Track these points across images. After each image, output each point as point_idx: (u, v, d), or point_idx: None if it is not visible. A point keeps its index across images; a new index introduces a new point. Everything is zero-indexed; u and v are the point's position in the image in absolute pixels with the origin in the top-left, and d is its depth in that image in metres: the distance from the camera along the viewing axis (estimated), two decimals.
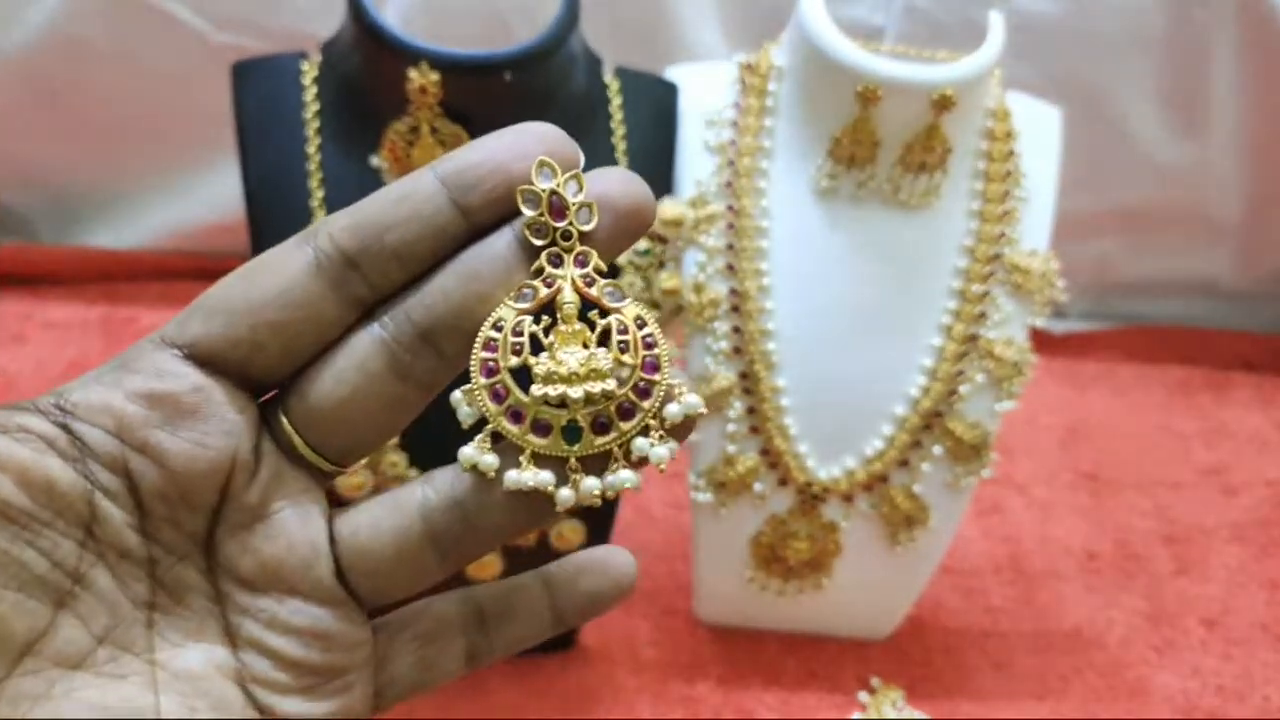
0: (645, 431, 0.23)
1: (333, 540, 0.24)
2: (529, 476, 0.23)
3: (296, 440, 0.24)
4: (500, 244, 0.23)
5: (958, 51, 0.48)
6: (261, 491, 0.24)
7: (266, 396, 0.24)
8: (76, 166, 0.81)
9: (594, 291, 0.23)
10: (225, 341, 0.23)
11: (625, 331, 0.23)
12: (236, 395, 0.23)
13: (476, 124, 0.45)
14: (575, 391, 0.22)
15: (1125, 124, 0.80)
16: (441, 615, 0.26)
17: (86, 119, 0.79)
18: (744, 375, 0.50)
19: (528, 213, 0.23)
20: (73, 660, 0.22)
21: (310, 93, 0.48)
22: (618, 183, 0.23)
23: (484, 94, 0.45)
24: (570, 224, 0.23)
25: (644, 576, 0.64)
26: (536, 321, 0.23)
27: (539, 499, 0.23)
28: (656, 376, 0.23)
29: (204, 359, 0.23)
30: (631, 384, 0.23)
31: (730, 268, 0.49)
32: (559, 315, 0.23)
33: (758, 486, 0.51)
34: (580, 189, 0.23)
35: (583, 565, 0.26)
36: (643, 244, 0.48)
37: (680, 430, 0.23)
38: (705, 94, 0.51)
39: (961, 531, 0.64)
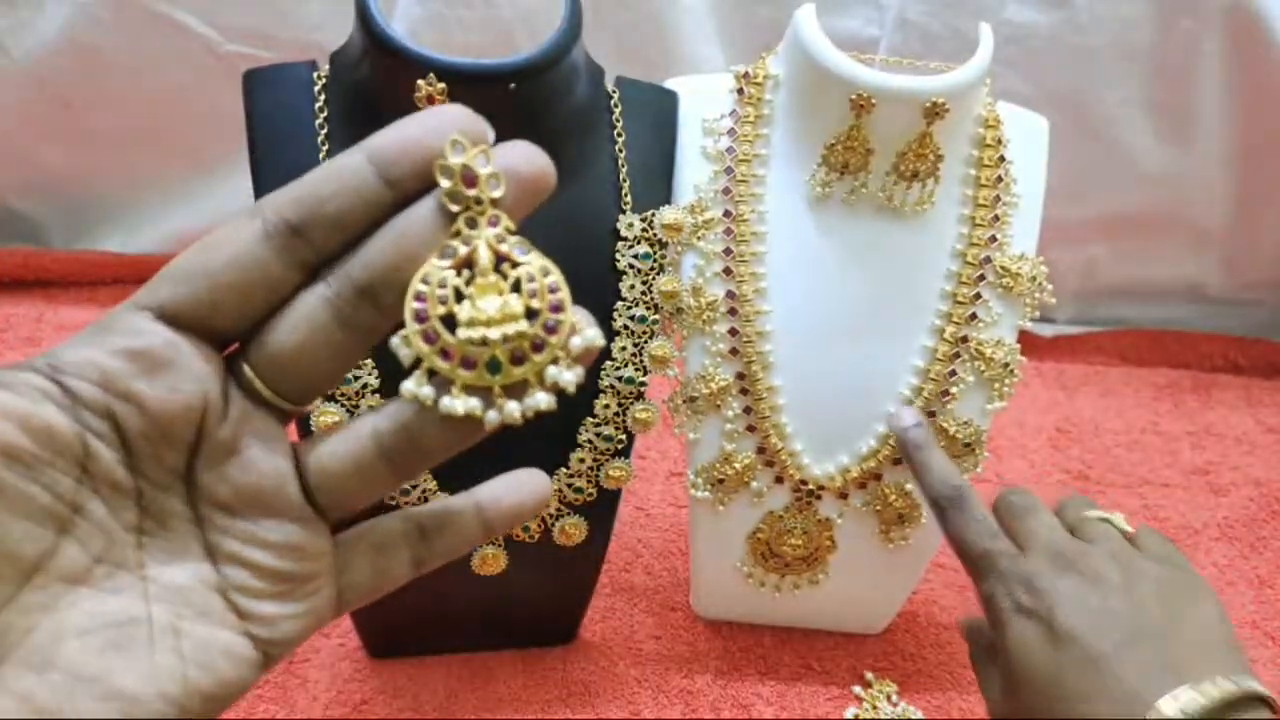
0: (555, 361, 0.27)
1: (300, 466, 0.28)
2: (460, 404, 0.27)
3: (258, 384, 0.27)
4: (423, 210, 0.26)
5: (949, 62, 0.50)
6: (232, 429, 0.27)
7: (230, 349, 0.28)
8: (88, 173, 0.82)
9: (505, 248, 0.27)
10: (190, 302, 0.26)
11: (533, 280, 0.27)
12: (203, 348, 0.27)
13: None
14: (494, 333, 0.26)
15: (1113, 132, 0.81)
16: (389, 530, 0.30)
17: (98, 127, 0.79)
18: (741, 375, 0.51)
19: (444, 184, 0.26)
20: (75, 577, 0.25)
21: (320, 101, 0.48)
22: (522, 155, 0.26)
23: (489, 103, 0.45)
24: (481, 191, 0.26)
25: (644, 573, 0.65)
26: (458, 275, 0.27)
27: (469, 421, 0.27)
28: (561, 316, 0.27)
29: (172, 319, 0.26)
30: (541, 323, 0.27)
31: (728, 271, 0.50)
32: (476, 269, 0.27)
33: (754, 484, 0.52)
34: (489, 162, 0.26)
35: (504, 486, 0.31)
36: (643, 248, 0.49)
37: (583, 359, 0.27)
38: (704, 103, 0.52)
39: None
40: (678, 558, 0.66)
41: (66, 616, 0.25)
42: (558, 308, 0.27)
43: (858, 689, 0.58)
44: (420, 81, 0.45)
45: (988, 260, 0.50)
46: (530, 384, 0.27)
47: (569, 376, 0.27)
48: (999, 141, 0.51)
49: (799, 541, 0.54)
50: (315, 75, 0.49)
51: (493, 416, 0.27)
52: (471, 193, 0.26)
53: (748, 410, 0.51)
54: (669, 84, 0.53)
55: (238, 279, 0.26)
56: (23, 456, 0.24)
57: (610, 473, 0.50)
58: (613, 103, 0.50)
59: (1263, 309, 0.90)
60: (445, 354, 0.27)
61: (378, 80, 0.47)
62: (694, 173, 0.51)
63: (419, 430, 0.28)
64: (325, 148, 0.48)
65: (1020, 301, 0.51)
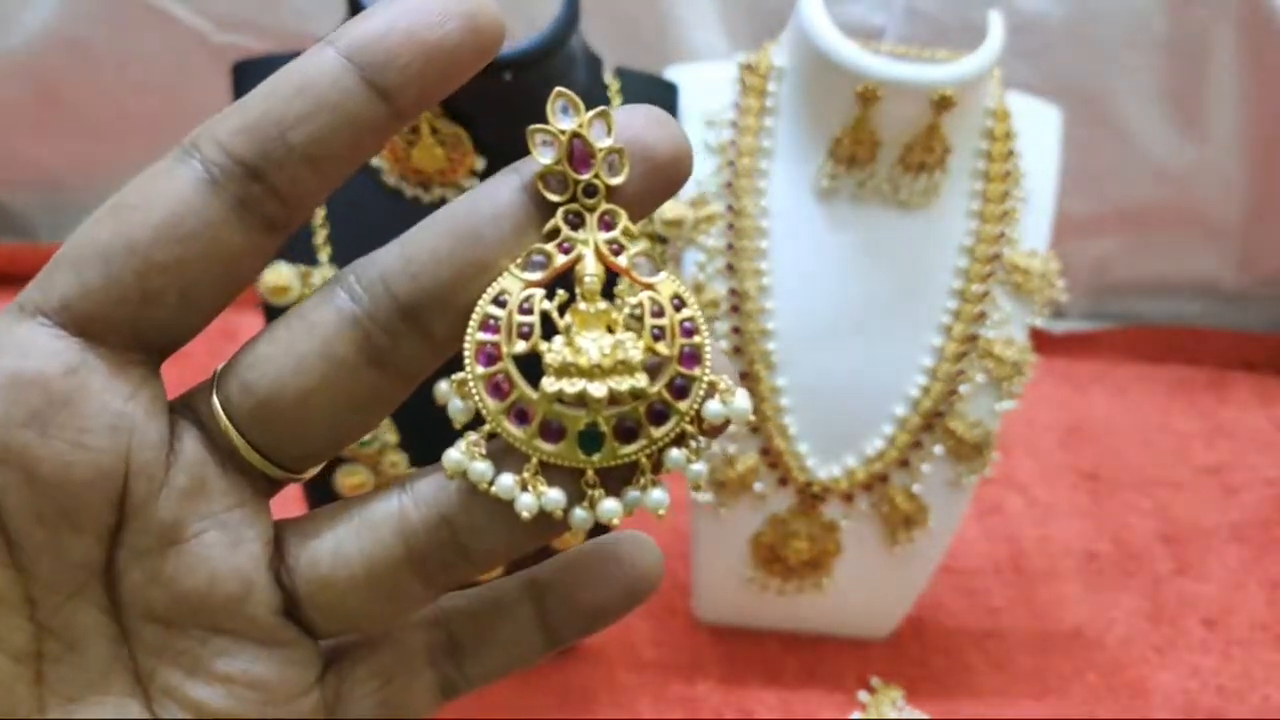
0: (680, 440, 0.19)
1: (285, 565, 0.19)
2: (529, 501, 0.18)
3: (238, 442, 0.19)
4: (506, 197, 0.18)
5: (958, 51, 0.48)
6: (176, 506, 0.18)
7: (195, 389, 0.20)
8: (76, 166, 0.81)
9: (622, 261, 0.19)
10: (106, 296, 0.17)
11: (660, 313, 0.18)
12: (128, 373, 0.18)
13: (477, 123, 0.45)
14: (597, 388, 0.18)
15: (1125, 124, 0.80)
16: (405, 645, 0.21)
17: (86, 118, 0.78)
18: (744, 375, 0.50)
19: (543, 160, 0.18)
20: None
21: None
22: (652, 125, 0.18)
23: (484, 94, 0.44)
24: (596, 176, 0.18)
25: None
26: (550, 297, 0.18)
27: (545, 519, 0.19)
28: (696, 371, 0.19)
29: (80, 325, 0.17)
30: (667, 379, 0.18)
31: (730, 268, 0.49)
32: (579, 290, 0.18)
33: (758, 486, 0.51)
34: (609, 131, 0.18)
35: (584, 565, 0.21)
36: (643, 244, 0.48)
37: (717, 433, 0.19)
38: (705, 94, 0.51)
39: (962, 532, 0.64)
40: (678, 561, 0.65)
41: None
42: (693, 357, 0.18)
43: (863, 695, 0.57)
44: None
45: (997, 256, 0.49)
46: (641, 469, 0.19)
47: (698, 469, 0.19)
48: (1008, 134, 0.50)
49: (803, 545, 0.53)
50: None
51: (581, 517, 0.19)
52: (583, 176, 0.18)
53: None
54: (668, 72, 0.52)
55: (179, 253, 0.17)
56: None
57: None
58: (611, 94, 0.49)
59: (1277, 304, 0.89)
60: (520, 414, 0.18)
61: None
62: (695, 167, 0.50)
63: (467, 525, 0.19)
64: None
65: (1031, 299, 0.50)
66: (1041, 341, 0.64)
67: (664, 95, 0.51)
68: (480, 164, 0.46)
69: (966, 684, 0.58)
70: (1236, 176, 0.83)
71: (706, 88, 0.51)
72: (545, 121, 0.19)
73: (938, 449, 0.50)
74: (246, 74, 0.48)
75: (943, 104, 0.46)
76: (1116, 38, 0.76)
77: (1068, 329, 0.89)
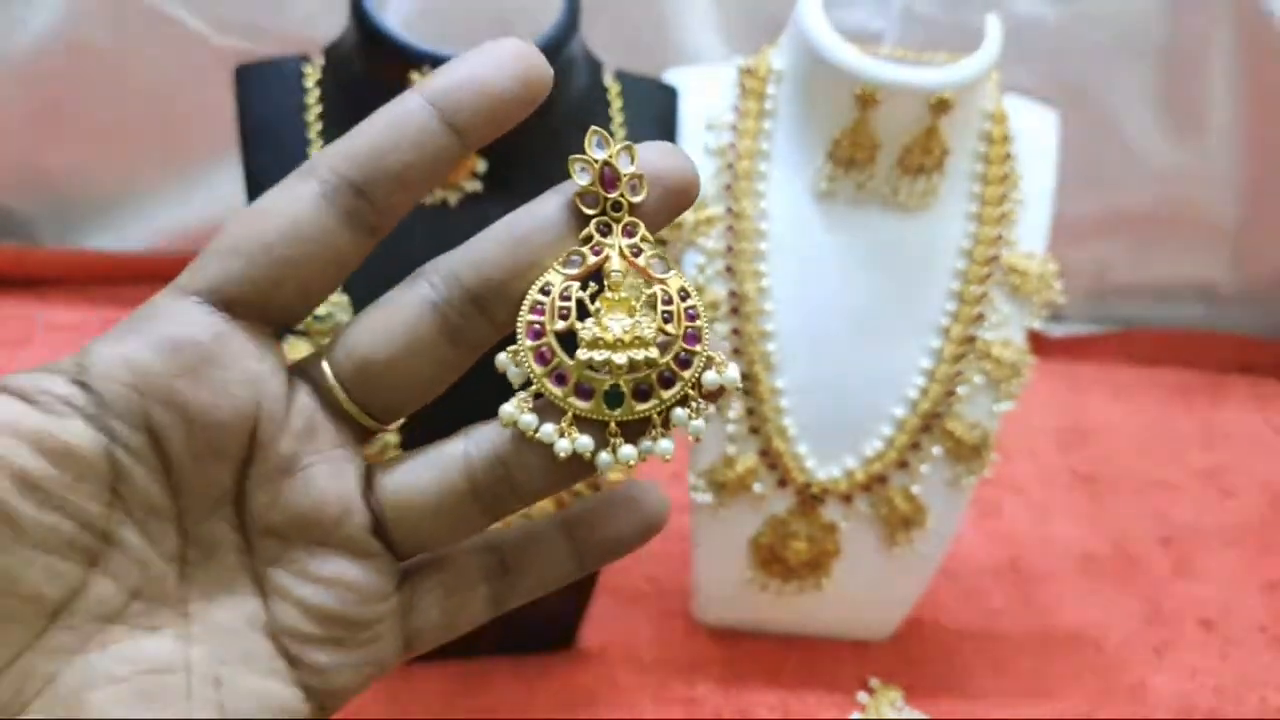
0: (684, 401, 0.24)
1: (374, 494, 0.25)
2: (567, 442, 0.24)
3: (340, 395, 0.24)
4: (551, 210, 0.24)
5: (956, 55, 0.49)
6: (293, 443, 0.24)
7: (308, 356, 0.25)
8: (79, 169, 0.81)
9: (640, 261, 0.24)
10: (245, 282, 0.23)
11: (669, 302, 0.24)
12: (259, 341, 0.23)
13: None
14: (619, 357, 0.23)
15: (1122, 127, 0.80)
16: (464, 566, 0.26)
17: (89, 122, 0.79)
18: (743, 376, 0.50)
19: (581, 181, 0.24)
20: (107, 615, 0.22)
21: (313, 95, 0.48)
22: (665, 157, 0.24)
23: None
24: (621, 195, 0.24)
25: (644, 578, 0.64)
26: (583, 288, 0.24)
27: (577, 460, 0.24)
28: (697, 347, 0.24)
29: (224, 303, 0.23)
30: (673, 354, 0.24)
31: (729, 269, 0.49)
32: (606, 283, 0.24)
33: (757, 487, 0.51)
34: (632, 160, 0.23)
35: (607, 507, 0.26)
36: (657, 248, 0.48)
37: (715, 399, 0.24)
38: (705, 97, 0.51)
39: (961, 533, 0.65)
40: (678, 562, 0.65)
41: (96, 661, 0.22)
42: (694, 337, 0.24)
43: (862, 695, 0.57)
44: (414, 75, 0.44)
45: (995, 258, 0.50)
46: (653, 424, 0.24)
47: (698, 424, 0.24)
48: (1006, 137, 0.50)
49: (803, 546, 0.53)
50: (307, 69, 0.48)
51: (604, 459, 0.24)
52: (611, 195, 0.24)
53: (750, 412, 0.50)
54: (668, 75, 0.52)
55: (299, 251, 0.23)
56: (40, 483, 0.21)
57: (609, 474, 0.49)
58: (611, 97, 0.49)
59: (1274, 307, 0.89)
60: (559, 377, 0.24)
61: (371, 74, 0.46)
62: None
63: (516, 464, 0.24)
64: (319, 143, 0.47)
65: (1029, 301, 0.50)
66: (1040, 344, 0.65)
67: (663, 98, 0.51)
68: (481, 166, 0.46)
69: (965, 685, 0.59)
70: (1233, 180, 0.83)
71: (706, 91, 0.51)
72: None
73: (936, 450, 0.50)
74: (248, 77, 0.48)
75: (941, 107, 0.46)
76: (1114, 41, 0.77)
77: (1066, 332, 0.89)
